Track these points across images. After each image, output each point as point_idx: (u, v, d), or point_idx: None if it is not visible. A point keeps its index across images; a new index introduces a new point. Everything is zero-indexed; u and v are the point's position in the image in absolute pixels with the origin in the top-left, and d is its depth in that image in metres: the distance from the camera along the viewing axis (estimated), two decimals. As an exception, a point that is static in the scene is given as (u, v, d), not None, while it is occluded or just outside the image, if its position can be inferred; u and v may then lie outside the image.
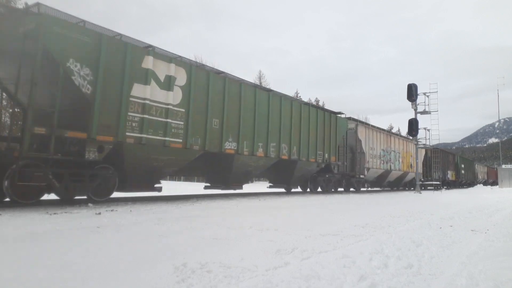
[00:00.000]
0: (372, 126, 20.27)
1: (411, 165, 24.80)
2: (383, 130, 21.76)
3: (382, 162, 20.63)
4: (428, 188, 31.47)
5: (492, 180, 60.38)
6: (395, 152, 22.62)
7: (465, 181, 40.58)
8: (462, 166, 37.66)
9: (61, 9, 7.08)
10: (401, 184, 25.79)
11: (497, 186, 37.64)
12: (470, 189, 35.19)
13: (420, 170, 24.94)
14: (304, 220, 6.09)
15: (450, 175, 34.21)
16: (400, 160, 23.41)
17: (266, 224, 5.31)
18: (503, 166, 40.74)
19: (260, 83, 42.07)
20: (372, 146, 19.41)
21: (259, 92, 11.81)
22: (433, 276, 3.02)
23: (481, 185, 50.21)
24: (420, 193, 20.67)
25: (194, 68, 9.43)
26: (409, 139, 25.43)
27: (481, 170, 51.90)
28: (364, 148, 18.32)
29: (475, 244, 4.50)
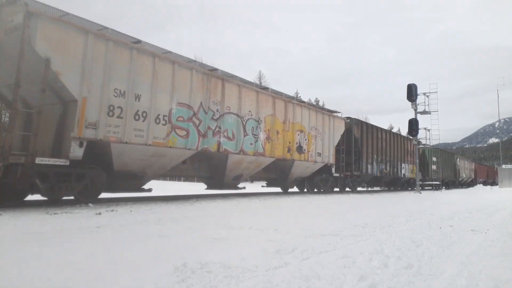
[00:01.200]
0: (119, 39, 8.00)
1: (299, 147, 13.72)
2: (201, 65, 10.34)
3: (184, 133, 9.24)
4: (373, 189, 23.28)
5: (482, 180, 51.11)
6: (242, 118, 11.12)
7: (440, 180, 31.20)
8: (433, 159, 28.48)
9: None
10: (284, 181, 14.43)
11: (497, 186, 37.67)
12: (470, 189, 35.15)
13: (330, 159, 15.65)
14: (304, 220, 6.09)
15: (408, 170, 23.75)
16: (264, 136, 11.99)
17: (266, 224, 5.31)
18: (503, 166, 40.76)
19: (260, 83, 42.00)
20: (128, 87, 7.93)
21: None
22: (433, 276, 3.02)
23: (481, 185, 49.58)
24: (420, 193, 20.69)
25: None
26: (298, 100, 14.69)
27: (465, 166, 41.09)
28: (70, 86, 7.01)
29: (475, 244, 4.50)
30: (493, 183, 53.15)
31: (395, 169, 22.04)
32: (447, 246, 4.29)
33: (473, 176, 45.02)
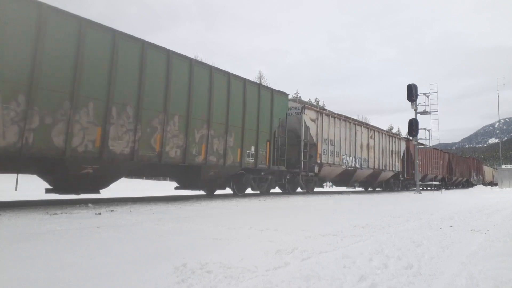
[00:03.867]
0: None
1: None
2: None
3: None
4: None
5: (437, 177, 28.99)
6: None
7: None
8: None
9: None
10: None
11: (497, 186, 37.63)
12: (471, 189, 35.10)
13: (399, 168, 22.25)
14: (304, 220, 6.09)
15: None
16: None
17: (265, 224, 5.30)
18: (503, 166, 40.76)
19: (260, 82, 42.07)
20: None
21: None
22: (433, 276, 3.02)
23: (481, 185, 48.48)
24: (420, 193, 20.70)
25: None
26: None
27: (366, 142, 17.76)
28: None
29: (475, 244, 4.49)
30: (468, 183, 38.78)
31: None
32: (447, 246, 4.28)
33: (399, 168, 21.85)
